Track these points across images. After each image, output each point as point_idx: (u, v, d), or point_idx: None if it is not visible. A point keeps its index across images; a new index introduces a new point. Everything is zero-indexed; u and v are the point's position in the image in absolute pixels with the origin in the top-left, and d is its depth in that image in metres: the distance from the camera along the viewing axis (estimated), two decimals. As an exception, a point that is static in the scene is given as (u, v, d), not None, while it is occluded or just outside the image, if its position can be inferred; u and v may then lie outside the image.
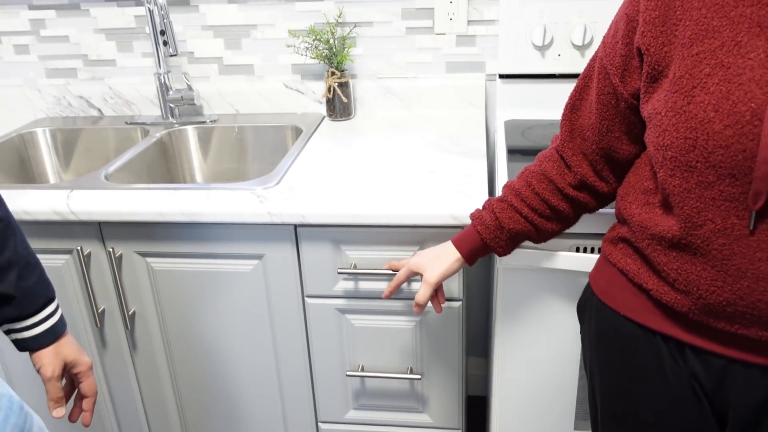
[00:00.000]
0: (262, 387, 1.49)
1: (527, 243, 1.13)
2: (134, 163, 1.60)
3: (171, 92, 1.80)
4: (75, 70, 1.91)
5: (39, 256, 1.38)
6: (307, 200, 1.28)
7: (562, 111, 1.03)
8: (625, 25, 0.82)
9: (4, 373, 1.55)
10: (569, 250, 1.19)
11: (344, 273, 1.30)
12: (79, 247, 1.35)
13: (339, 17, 1.73)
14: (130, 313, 1.44)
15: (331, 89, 1.73)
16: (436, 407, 1.46)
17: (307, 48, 1.76)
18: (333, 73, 1.72)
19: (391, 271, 1.21)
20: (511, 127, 1.59)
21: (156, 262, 1.38)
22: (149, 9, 1.68)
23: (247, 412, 1.53)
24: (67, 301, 1.44)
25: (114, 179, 1.49)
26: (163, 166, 1.75)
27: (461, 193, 1.28)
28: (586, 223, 1.11)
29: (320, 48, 1.72)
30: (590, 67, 0.93)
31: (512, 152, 1.43)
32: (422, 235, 1.27)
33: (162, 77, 1.78)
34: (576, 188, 0.99)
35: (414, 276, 1.14)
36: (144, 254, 1.37)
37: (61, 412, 0.96)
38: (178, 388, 1.53)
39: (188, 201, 1.30)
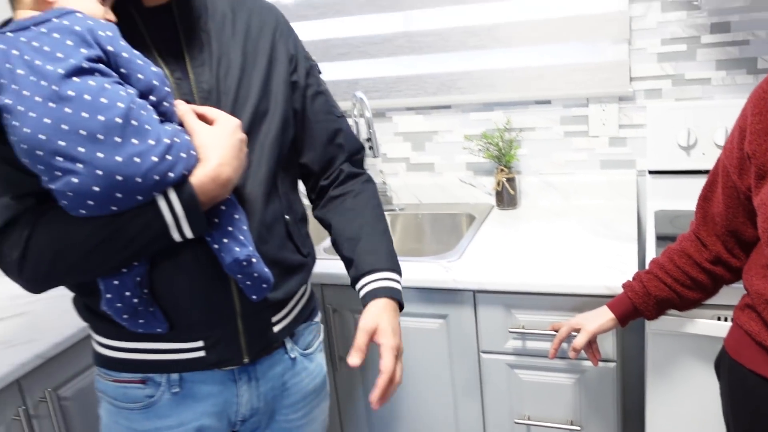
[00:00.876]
0: (441, 428, 1.78)
1: (673, 311, 1.36)
2: (342, 241, 2.02)
3: (368, 186, 2.23)
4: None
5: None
6: (484, 271, 1.60)
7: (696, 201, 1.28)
8: (738, 134, 1.09)
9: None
10: (711, 319, 1.40)
11: (514, 333, 1.59)
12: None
13: (507, 124, 2.09)
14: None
15: (500, 183, 2.07)
16: (592, 459, 1.66)
17: (480, 149, 2.13)
18: (502, 170, 2.07)
19: (553, 332, 1.47)
20: (661, 216, 1.83)
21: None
22: (356, 121, 2.14)
23: (426, 452, 1.82)
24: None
25: (329, 252, 1.90)
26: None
27: (614, 269, 1.55)
28: (724, 296, 1.32)
29: (491, 149, 2.08)
30: (716, 165, 1.19)
31: (662, 239, 1.66)
32: (580, 303, 1.53)
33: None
34: (712, 263, 1.22)
35: (573, 332, 1.40)
36: (354, 311, 1.75)
37: (356, 360, 1.05)
38: (371, 426, 1.86)
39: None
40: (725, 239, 1.19)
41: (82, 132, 0.87)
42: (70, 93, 0.87)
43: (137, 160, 0.88)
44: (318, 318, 1.32)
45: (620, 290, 1.37)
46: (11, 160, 0.90)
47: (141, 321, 1.03)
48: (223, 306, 1.07)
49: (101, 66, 0.91)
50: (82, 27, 0.90)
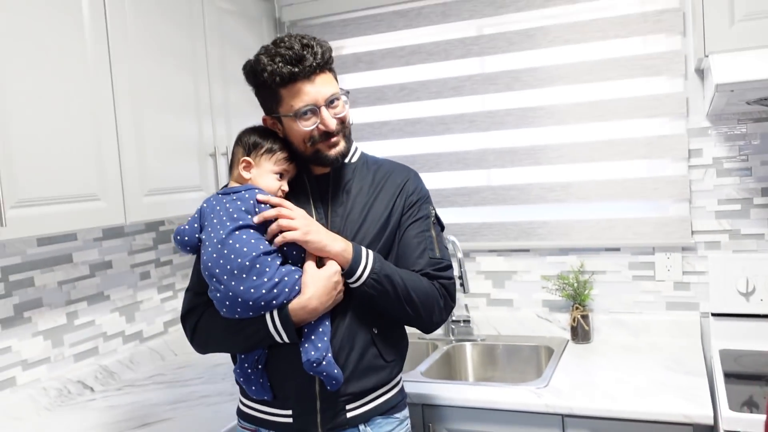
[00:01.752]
0: None
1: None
2: (434, 365, 2.26)
3: (453, 317, 2.50)
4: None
5: None
6: (570, 398, 1.83)
7: None
8: None
9: None
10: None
11: (599, 455, 1.78)
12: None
13: (581, 267, 2.38)
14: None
15: (576, 319, 2.32)
16: None
17: (557, 288, 2.40)
18: (577, 308, 2.32)
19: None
20: (726, 355, 2.04)
21: (457, 437, 1.96)
22: (445, 260, 2.44)
23: None
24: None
25: (426, 375, 2.14)
26: (447, 366, 2.39)
27: (689, 400, 1.75)
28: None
29: (567, 289, 2.35)
30: None
31: (728, 375, 1.87)
32: (658, 429, 1.73)
33: (448, 306, 2.50)
34: None
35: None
36: (450, 431, 1.96)
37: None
38: None
39: (490, 393, 1.90)
40: None
41: (228, 267, 1.37)
42: (230, 241, 1.38)
43: (252, 290, 1.36)
44: (400, 414, 1.60)
45: (699, 419, 1.56)
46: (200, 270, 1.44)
47: (253, 388, 1.47)
48: (307, 388, 1.46)
49: (252, 224, 1.41)
50: (254, 200, 1.42)
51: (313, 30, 2.67)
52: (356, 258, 1.44)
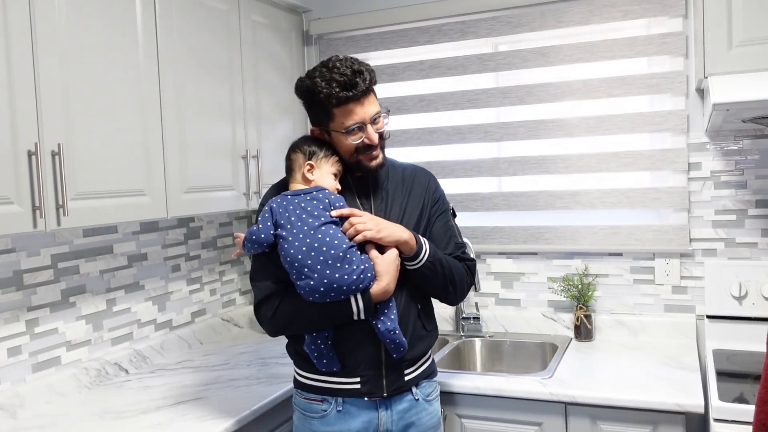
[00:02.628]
0: None
1: None
2: (444, 359, 2.42)
3: (464, 314, 2.66)
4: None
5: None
6: (572, 387, 1.98)
7: (764, 345, 1.60)
8: None
9: None
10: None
11: (599, 441, 1.94)
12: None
13: (585, 270, 2.53)
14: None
15: (579, 319, 2.48)
16: None
17: (562, 290, 2.55)
18: (581, 308, 2.48)
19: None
20: (718, 354, 2.19)
21: (470, 423, 2.11)
22: (458, 261, 2.60)
23: None
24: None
25: (438, 366, 2.29)
26: (457, 360, 2.55)
27: (683, 392, 1.91)
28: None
29: (571, 290, 2.50)
30: None
31: (720, 373, 2.02)
32: (653, 417, 1.89)
33: (461, 305, 2.66)
34: None
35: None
36: (461, 416, 2.12)
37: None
38: None
39: (498, 382, 2.06)
40: None
41: (321, 258, 1.56)
42: (319, 236, 1.58)
43: (346, 277, 1.57)
44: (436, 378, 1.86)
45: (690, 408, 1.70)
46: (276, 262, 1.63)
47: (324, 361, 1.65)
48: (374, 358, 1.68)
49: (336, 219, 1.60)
50: (328, 199, 1.64)
51: (339, 43, 2.85)
52: (420, 244, 1.68)
